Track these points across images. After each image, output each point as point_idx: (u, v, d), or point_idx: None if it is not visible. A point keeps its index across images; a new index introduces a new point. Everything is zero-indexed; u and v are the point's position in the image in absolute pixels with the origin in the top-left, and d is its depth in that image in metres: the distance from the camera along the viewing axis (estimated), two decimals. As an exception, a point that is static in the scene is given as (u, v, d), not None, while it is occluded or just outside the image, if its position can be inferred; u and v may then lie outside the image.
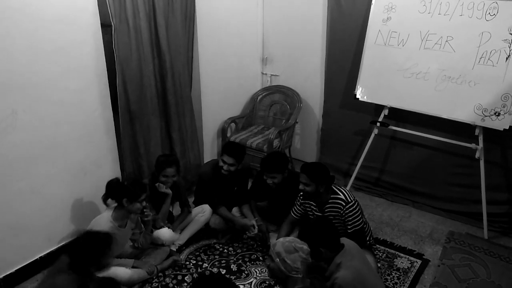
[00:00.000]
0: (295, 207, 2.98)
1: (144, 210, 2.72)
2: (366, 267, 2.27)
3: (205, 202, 3.24)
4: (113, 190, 2.63)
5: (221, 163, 3.09)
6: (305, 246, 1.95)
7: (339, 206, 2.73)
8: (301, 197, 2.90)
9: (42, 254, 2.88)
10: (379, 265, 2.93)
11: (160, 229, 2.98)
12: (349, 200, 2.71)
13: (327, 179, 2.71)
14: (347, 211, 2.70)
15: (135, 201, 2.59)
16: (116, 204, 2.68)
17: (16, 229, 2.69)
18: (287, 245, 1.97)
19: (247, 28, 4.21)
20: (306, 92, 4.22)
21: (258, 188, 3.24)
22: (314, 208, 2.86)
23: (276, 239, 2.85)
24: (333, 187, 2.77)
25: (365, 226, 2.84)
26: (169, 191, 3.03)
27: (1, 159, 2.50)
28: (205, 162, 3.85)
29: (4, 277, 2.69)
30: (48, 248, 2.91)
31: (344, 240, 2.32)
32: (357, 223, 2.72)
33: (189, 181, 3.73)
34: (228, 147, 3.14)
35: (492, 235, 3.30)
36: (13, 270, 2.73)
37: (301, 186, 2.72)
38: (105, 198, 2.65)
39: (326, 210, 2.78)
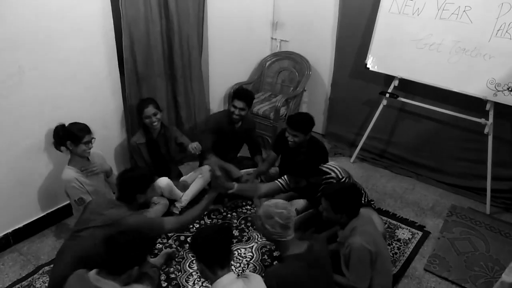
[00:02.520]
0: (284, 179, 2.80)
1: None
2: (377, 233, 2.31)
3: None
4: (57, 135, 2.60)
5: (232, 109, 3.17)
6: (285, 212, 1.95)
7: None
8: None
9: (49, 210, 2.94)
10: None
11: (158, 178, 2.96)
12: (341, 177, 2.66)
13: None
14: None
15: (79, 143, 2.58)
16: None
17: (24, 185, 2.74)
18: (266, 209, 1.96)
19: (259, -9, 4.09)
20: (316, 59, 4.15)
21: (278, 144, 3.25)
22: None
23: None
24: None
25: None
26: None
27: (9, 116, 2.52)
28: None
29: (13, 231, 2.77)
30: (55, 205, 2.97)
31: None
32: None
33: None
34: (238, 92, 3.25)
35: (494, 210, 3.32)
36: (21, 225, 2.81)
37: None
38: (55, 145, 2.62)
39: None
